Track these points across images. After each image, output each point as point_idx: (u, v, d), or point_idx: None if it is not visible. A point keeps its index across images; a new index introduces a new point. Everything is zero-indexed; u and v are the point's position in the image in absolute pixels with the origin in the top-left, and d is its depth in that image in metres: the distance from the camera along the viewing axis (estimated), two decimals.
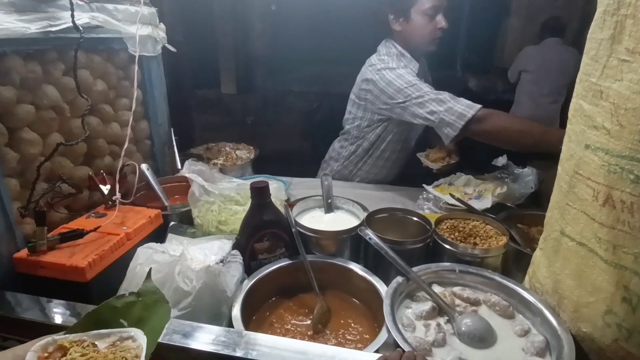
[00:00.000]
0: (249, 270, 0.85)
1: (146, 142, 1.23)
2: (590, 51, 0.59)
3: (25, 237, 0.81)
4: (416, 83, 1.34)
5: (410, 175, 1.69)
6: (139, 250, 0.78)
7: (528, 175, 1.27)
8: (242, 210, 1.00)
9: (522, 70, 3.18)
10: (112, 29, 0.97)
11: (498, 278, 0.79)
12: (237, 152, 1.60)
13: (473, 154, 1.58)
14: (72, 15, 0.76)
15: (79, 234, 0.80)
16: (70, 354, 0.49)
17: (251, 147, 1.65)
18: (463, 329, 0.70)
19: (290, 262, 0.88)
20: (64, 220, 0.90)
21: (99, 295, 0.76)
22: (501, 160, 1.36)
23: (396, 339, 0.64)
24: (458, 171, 1.38)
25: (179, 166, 1.40)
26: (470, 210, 1.09)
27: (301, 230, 0.91)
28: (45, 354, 0.49)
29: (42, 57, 0.85)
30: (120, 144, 1.08)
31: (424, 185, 1.34)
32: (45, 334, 0.71)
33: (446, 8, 1.40)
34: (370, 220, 0.96)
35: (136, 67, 0.99)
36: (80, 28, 0.79)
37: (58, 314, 0.72)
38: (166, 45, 1.20)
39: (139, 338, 0.52)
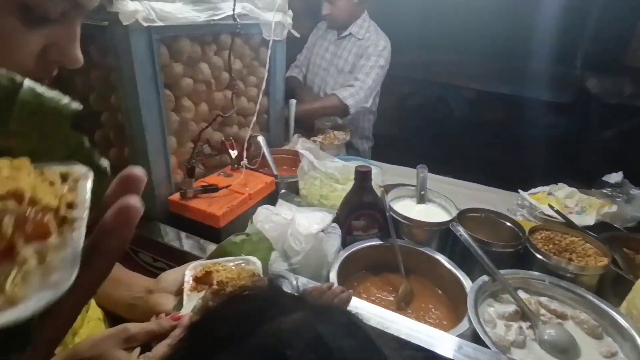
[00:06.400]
0: (344, 243, 0.96)
1: (264, 116, 1.40)
2: None
3: (175, 185, 1.02)
4: None
5: (506, 176, 1.63)
6: (259, 209, 0.94)
7: None
8: (341, 188, 1.11)
9: None
10: (253, 16, 1.12)
11: (591, 297, 0.79)
12: (335, 132, 1.71)
13: (580, 164, 1.46)
14: (234, 9, 0.91)
15: (214, 188, 0.99)
16: (217, 271, 0.67)
17: (348, 129, 1.75)
18: (545, 337, 0.73)
19: (381, 242, 0.97)
20: (200, 175, 1.10)
21: None
22: (615, 177, 1.27)
23: (477, 330, 0.70)
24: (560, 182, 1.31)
25: (291, 139, 1.55)
26: (570, 224, 1.06)
27: (395, 216, 0.99)
28: (196, 274, 0.68)
29: (202, 39, 1.02)
30: (246, 115, 1.25)
31: (519, 190, 1.31)
32: (180, 259, 0.92)
33: None
34: (462, 217, 0.99)
35: (269, 51, 1.13)
36: (237, 19, 0.94)
37: (191, 246, 0.92)
38: (291, 30, 1.32)
39: (255, 262, 0.73)
